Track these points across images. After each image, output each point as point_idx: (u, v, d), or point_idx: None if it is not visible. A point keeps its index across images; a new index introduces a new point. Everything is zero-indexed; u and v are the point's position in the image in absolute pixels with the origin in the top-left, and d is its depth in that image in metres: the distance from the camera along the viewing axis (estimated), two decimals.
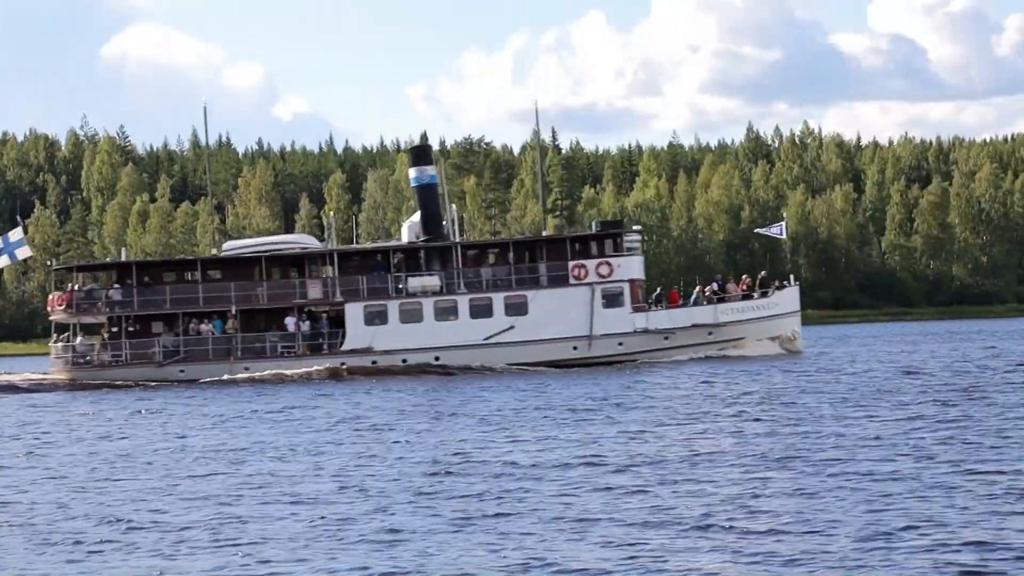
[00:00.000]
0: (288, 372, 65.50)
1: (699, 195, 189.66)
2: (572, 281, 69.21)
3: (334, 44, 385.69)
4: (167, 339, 67.27)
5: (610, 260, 69.48)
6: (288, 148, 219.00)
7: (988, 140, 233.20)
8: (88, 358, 67.39)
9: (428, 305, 68.28)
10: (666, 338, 70.16)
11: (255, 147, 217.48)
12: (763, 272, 75.41)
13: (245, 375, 66.02)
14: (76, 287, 68.67)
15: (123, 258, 74.57)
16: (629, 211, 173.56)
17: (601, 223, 72.98)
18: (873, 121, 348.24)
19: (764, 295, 72.75)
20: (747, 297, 72.70)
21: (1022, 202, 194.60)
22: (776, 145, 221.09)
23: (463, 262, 69.54)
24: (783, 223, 77.09)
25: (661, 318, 70.51)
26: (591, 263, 69.31)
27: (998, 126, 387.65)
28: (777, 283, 74.29)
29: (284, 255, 69.72)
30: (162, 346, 67.12)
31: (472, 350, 67.91)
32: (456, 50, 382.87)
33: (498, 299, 68.72)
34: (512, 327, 68.51)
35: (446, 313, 68.41)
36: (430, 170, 73.06)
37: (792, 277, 75.31)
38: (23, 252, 68.74)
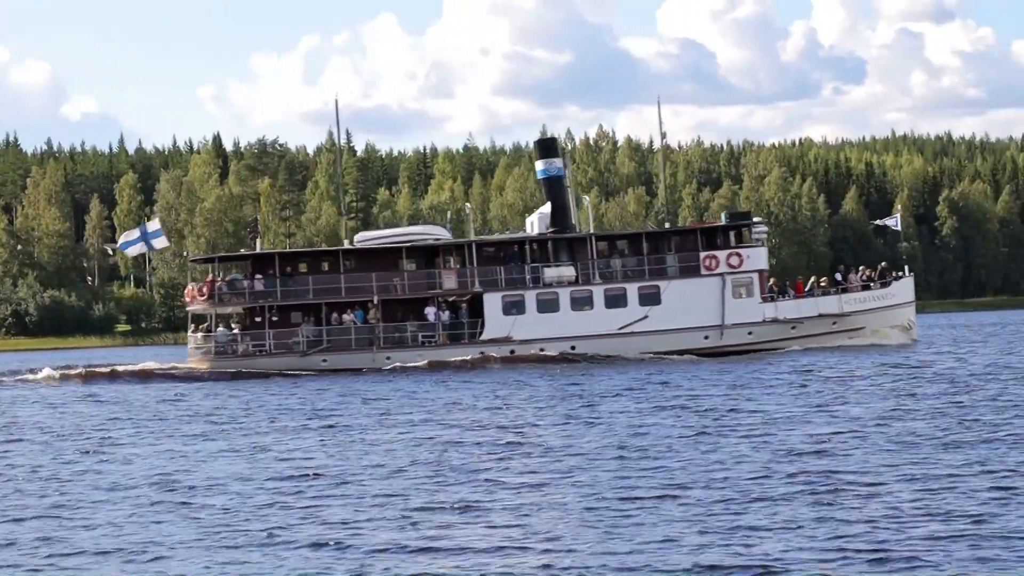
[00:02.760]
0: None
1: (494, 197, 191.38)
2: (703, 272, 70.12)
3: (122, 43, 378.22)
4: (308, 329, 68.05)
5: (740, 251, 70.44)
6: (78, 149, 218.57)
7: (777, 144, 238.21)
8: (232, 348, 68.05)
9: (564, 295, 69.17)
10: (793, 327, 71.09)
11: (44, 147, 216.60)
12: (883, 263, 76.35)
13: (391, 364, 66.86)
14: (217, 278, 69.42)
15: (258, 249, 75.29)
16: (424, 213, 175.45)
17: (730, 214, 73.82)
18: (665, 124, 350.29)
19: (884, 285, 73.78)
20: (867, 288, 73.72)
21: (809, 205, 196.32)
22: (570, 148, 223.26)
23: (595, 253, 70.38)
24: (898, 215, 78.13)
25: (789, 308, 71.45)
26: (722, 254, 70.24)
27: (786, 130, 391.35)
28: (895, 274, 75.34)
29: (421, 246, 70.52)
30: (304, 336, 67.90)
31: (607, 340, 68.81)
32: (246, 51, 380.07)
33: (632, 289, 69.64)
34: (646, 316, 69.43)
35: (581, 303, 69.31)
36: (557, 162, 73.96)
37: (907, 268, 76.34)
38: (160, 242, 69.44)
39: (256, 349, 68.06)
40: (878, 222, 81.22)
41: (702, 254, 70.26)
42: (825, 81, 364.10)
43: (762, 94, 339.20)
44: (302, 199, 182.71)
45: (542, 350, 68.35)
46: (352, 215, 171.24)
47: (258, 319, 68.51)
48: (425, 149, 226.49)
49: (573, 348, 68.50)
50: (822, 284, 75.02)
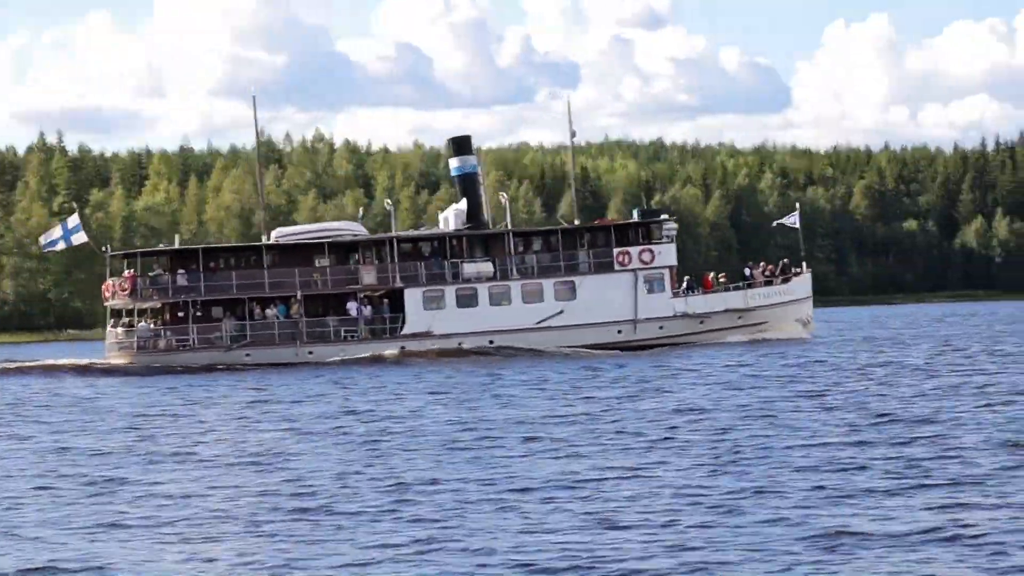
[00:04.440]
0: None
1: (210, 199, 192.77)
2: (617, 267, 71.87)
3: None
4: (231, 324, 68.53)
5: (651, 247, 72.30)
6: None
7: (494, 148, 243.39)
8: (153, 343, 68.29)
9: (483, 290, 70.47)
10: (702, 322, 73.15)
11: None
12: (785, 259, 78.72)
13: (311, 358, 67.70)
14: (137, 273, 69.60)
15: (176, 244, 75.41)
16: (138, 214, 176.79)
17: (642, 212, 75.65)
18: (383, 127, 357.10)
19: (786, 281, 76.19)
20: (769, 283, 76.06)
21: (526, 208, 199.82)
22: (288, 150, 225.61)
23: (512, 249, 71.76)
24: (797, 213, 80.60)
25: (698, 303, 73.50)
26: (634, 250, 72.02)
27: (503, 134, 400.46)
28: (794, 270, 77.67)
29: (341, 242, 71.33)
30: (228, 331, 68.37)
31: (525, 334, 70.26)
32: None
33: (548, 284, 71.16)
34: (562, 311, 70.99)
35: (499, 298, 70.66)
36: (471, 160, 75.27)
37: (804, 264, 78.74)
38: (79, 238, 69.36)
39: (179, 344, 68.39)
40: (778, 222, 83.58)
41: (615, 250, 71.98)
42: (540, 86, 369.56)
43: (479, 98, 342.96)
44: (12, 199, 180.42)
45: (461, 344, 69.59)
46: (63, 216, 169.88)
47: (180, 314, 68.79)
48: (139, 150, 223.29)
49: (491, 342, 69.86)
50: (722, 280, 77.34)
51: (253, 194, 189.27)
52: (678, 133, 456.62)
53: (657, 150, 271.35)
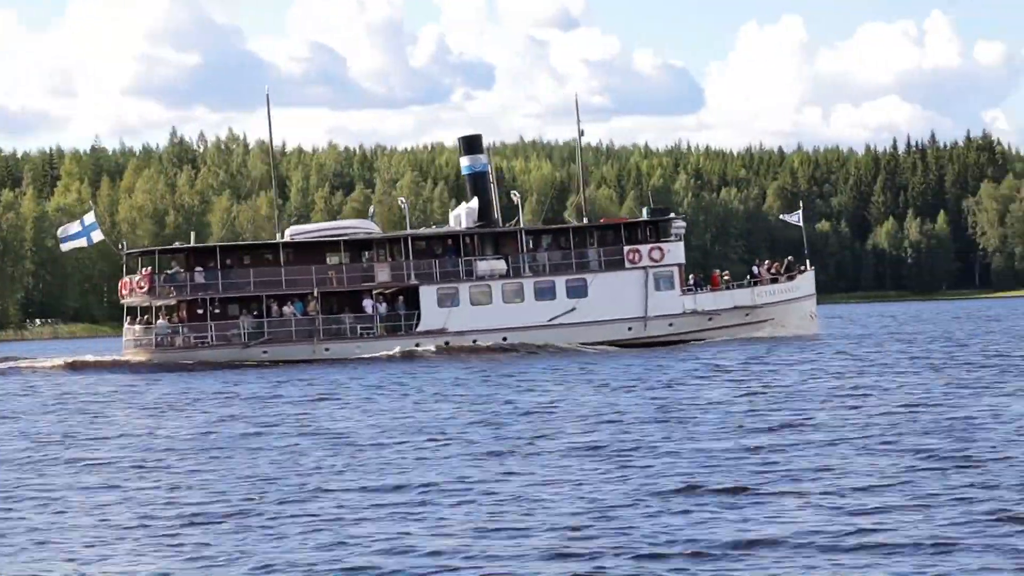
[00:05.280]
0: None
1: (123, 200, 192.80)
2: (627, 265, 72.79)
3: None
4: (248, 321, 69.21)
5: (661, 245, 73.28)
6: None
7: (409, 148, 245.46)
8: (171, 340, 68.90)
9: (496, 288, 71.32)
10: (710, 319, 74.16)
11: None
12: (789, 257, 79.77)
13: (327, 355, 68.46)
14: (155, 270, 70.20)
15: (192, 242, 76.03)
16: (50, 215, 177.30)
17: (652, 210, 76.60)
18: (298, 128, 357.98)
19: (791, 279, 77.26)
20: (775, 281, 77.11)
21: (440, 209, 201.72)
22: (201, 150, 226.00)
23: (524, 247, 72.59)
24: (800, 212, 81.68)
25: (707, 300, 74.50)
26: (644, 248, 72.96)
27: (417, 135, 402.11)
28: (799, 268, 78.74)
29: (357, 239, 72.05)
30: (245, 328, 69.04)
31: (537, 331, 71.13)
32: None
33: (560, 282, 72.06)
34: (574, 308, 71.89)
35: (512, 295, 71.53)
36: (482, 159, 76.06)
37: (808, 262, 79.81)
38: (97, 235, 69.91)
39: (197, 341, 69.03)
40: (783, 217, 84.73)
41: (626, 248, 72.91)
42: (456, 86, 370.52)
43: (394, 98, 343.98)
44: None
45: (475, 341, 70.43)
46: None
47: (199, 311, 69.41)
48: (50, 150, 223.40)
49: (505, 339, 70.71)
50: (726, 278, 78.44)
51: (167, 194, 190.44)
52: (593, 134, 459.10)
53: (572, 151, 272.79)
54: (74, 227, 70.13)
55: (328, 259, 71.11)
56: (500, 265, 71.70)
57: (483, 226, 73.91)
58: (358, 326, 69.85)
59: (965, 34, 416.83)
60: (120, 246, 73.06)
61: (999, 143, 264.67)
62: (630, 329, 72.60)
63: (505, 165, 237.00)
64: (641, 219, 75.28)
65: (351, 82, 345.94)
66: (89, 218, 70.12)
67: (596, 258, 73.02)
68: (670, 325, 73.08)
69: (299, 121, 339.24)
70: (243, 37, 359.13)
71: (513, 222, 77.95)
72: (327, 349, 69.20)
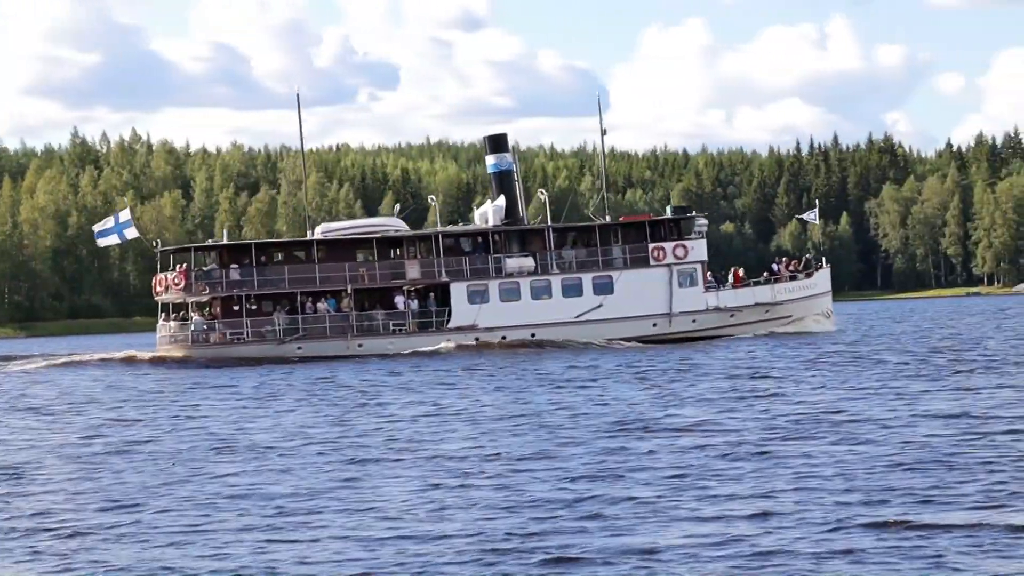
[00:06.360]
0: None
1: (25, 201, 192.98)
2: (652, 262, 74.07)
3: None
4: (283, 317, 70.27)
5: (685, 243, 74.60)
6: None
7: (314, 149, 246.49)
8: (207, 336, 69.94)
9: (525, 285, 72.55)
10: (732, 316, 75.49)
11: None
12: (808, 255, 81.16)
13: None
14: (189, 267, 71.23)
15: (225, 240, 77.03)
16: None
17: (674, 208, 77.85)
18: (200, 128, 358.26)
19: (808, 276, 78.68)
20: (793, 278, 78.53)
21: (347, 210, 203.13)
22: (104, 151, 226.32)
23: (551, 244, 73.80)
24: (816, 210, 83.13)
25: (729, 297, 75.86)
26: (668, 245, 74.27)
27: (322, 136, 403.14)
28: (816, 265, 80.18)
29: (388, 237, 73.16)
30: (279, 324, 70.11)
31: (565, 327, 72.36)
32: None
33: (587, 279, 73.32)
34: (601, 305, 73.15)
35: (540, 292, 72.76)
36: (508, 157, 77.22)
37: (824, 260, 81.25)
38: (131, 232, 70.89)
39: (233, 337, 70.07)
40: (799, 216, 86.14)
41: (650, 245, 74.20)
42: (360, 87, 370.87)
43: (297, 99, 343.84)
44: None
45: (504, 337, 71.64)
46: None
47: (234, 308, 70.43)
48: None
49: (533, 335, 71.94)
50: (742, 275, 79.90)
51: (70, 195, 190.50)
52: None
53: (478, 152, 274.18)
54: (109, 222, 71.08)
55: (359, 256, 72.21)
56: (528, 262, 72.92)
57: (510, 224, 75.10)
58: (390, 322, 70.97)
59: (866, 37, 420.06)
60: (155, 244, 73.98)
61: (900, 146, 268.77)
62: (655, 325, 73.88)
63: (411, 167, 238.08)
64: (665, 217, 76.58)
65: (254, 82, 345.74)
66: (124, 215, 71.07)
67: (621, 255, 74.29)
68: (693, 321, 74.39)
69: (202, 121, 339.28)
70: (145, 37, 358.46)
71: (538, 219, 79.05)
72: (360, 345, 70.30)
